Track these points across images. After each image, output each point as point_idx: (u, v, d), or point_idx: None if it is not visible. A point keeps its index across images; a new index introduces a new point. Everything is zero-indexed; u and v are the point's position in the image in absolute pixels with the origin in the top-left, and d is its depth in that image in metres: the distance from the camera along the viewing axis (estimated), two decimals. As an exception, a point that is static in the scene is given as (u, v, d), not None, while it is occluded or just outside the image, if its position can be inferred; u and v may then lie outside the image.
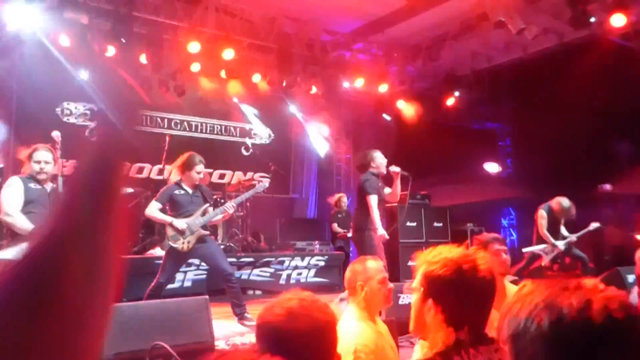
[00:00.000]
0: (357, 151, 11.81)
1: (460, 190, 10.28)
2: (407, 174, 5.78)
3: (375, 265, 2.88)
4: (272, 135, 10.82)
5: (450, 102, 9.91)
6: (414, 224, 8.53)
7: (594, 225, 7.41)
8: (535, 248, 7.49)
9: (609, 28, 7.50)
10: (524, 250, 7.64)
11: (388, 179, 5.92)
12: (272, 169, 8.88)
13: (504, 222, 11.87)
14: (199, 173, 5.48)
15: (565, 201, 7.34)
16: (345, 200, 9.37)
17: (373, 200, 5.54)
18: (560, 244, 7.32)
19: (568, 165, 9.37)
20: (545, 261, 7.35)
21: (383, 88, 9.60)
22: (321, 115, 10.94)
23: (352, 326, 2.66)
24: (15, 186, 4.33)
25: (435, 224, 8.47)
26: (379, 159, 5.78)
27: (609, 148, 9.59)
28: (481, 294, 1.64)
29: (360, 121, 11.45)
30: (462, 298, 1.61)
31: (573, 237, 7.35)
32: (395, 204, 8.56)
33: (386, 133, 11.10)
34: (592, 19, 7.63)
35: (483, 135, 12.00)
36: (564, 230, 7.45)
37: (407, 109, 10.24)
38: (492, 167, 12.02)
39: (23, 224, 4.26)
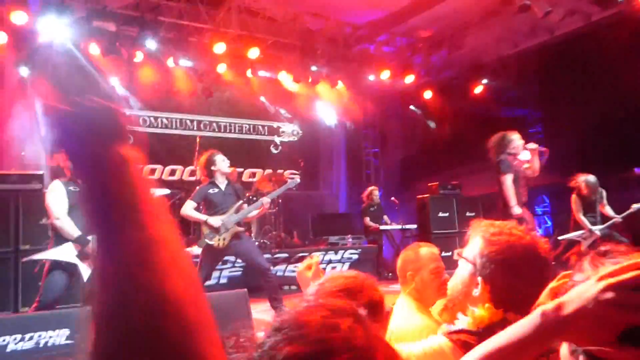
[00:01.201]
0: (385, 145, 11.79)
1: (492, 178, 10.13)
2: (544, 149, 5.99)
3: (428, 253, 2.63)
4: (300, 132, 10.88)
5: (477, 90, 9.80)
6: (446, 214, 8.47)
7: (636, 206, 7.22)
8: (572, 235, 7.33)
9: (638, 5, 7.30)
10: (560, 238, 7.49)
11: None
12: (302, 166, 8.94)
13: (538, 210, 11.66)
14: (223, 161, 5.57)
15: (588, 178, 7.25)
16: (376, 193, 9.35)
17: (507, 179, 5.78)
18: (597, 229, 7.15)
19: (601, 149, 9.15)
20: (584, 247, 7.21)
21: (409, 79, 9.56)
22: (348, 109, 10.95)
23: (414, 319, 2.48)
24: (58, 190, 4.45)
25: (468, 214, 8.37)
26: (517, 141, 5.94)
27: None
28: (536, 282, 1.59)
29: (388, 114, 11.41)
30: (514, 285, 1.55)
31: (618, 218, 7.18)
32: (428, 195, 8.58)
33: (414, 125, 11.05)
34: (621, -3, 7.47)
35: (513, 122, 11.72)
36: (609, 210, 7.29)
37: (435, 99, 10.17)
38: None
39: (71, 228, 4.39)
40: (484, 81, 9.74)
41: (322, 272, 2.04)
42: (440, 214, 8.44)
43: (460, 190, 8.88)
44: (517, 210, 5.73)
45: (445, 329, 1.88)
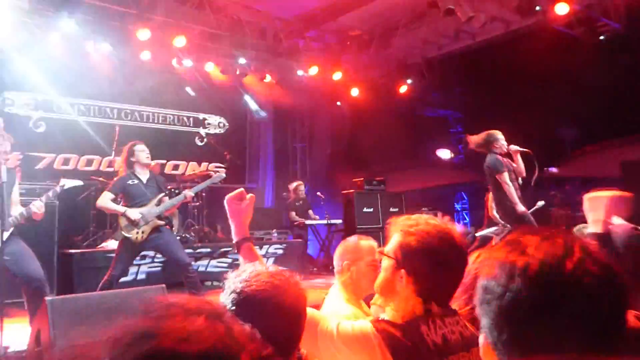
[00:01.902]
0: (313, 140, 11.82)
1: (415, 175, 10.45)
2: (527, 150, 5.96)
3: (367, 246, 2.71)
4: (227, 124, 10.67)
5: (403, 89, 10.02)
6: (371, 209, 8.61)
7: (540, 203, 7.67)
8: (487, 231, 7.66)
9: (554, 16, 7.71)
10: (477, 234, 7.82)
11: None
12: (228, 159, 8.75)
13: (457, 206, 12.17)
14: (142, 151, 5.36)
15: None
16: (302, 188, 9.34)
17: (505, 177, 5.79)
18: (508, 225, 7.52)
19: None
20: (495, 241, 7.56)
21: (337, 76, 9.61)
22: (276, 103, 10.87)
23: (342, 308, 2.54)
24: None
25: (392, 209, 8.54)
26: (502, 140, 5.96)
27: (556, 133, 9.95)
28: (455, 268, 1.63)
29: (316, 109, 11.44)
30: (436, 272, 1.59)
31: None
32: (353, 191, 8.69)
33: (342, 121, 11.15)
34: (537, 8, 7.85)
35: (436, 122, 12.23)
36: None
37: (362, 97, 10.29)
38: (444, 153, 12.26)
39: None
40: (409, 81, 9.96)
41: (251, 208, 2.00)
42: (365, 210, 8.57)
43: (385, 186, 9.05)
44: (521, 207, 5.80)
45: (375, 316, 1.89)
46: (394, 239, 1.68)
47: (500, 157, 5.89)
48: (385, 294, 1.74)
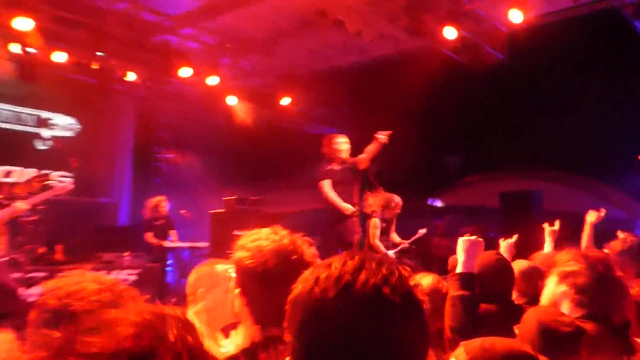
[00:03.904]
0: (181, 150, 11.46)
1: (295, 197, 10.45)
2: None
3: (225, 270, 2.55)
4: (78, 126, 9.97)
5: (285, 101, 10.03)
6: (244, 232, 8.43)
7: (422, 231, 8.00)
8: None
9: (442, 40, 8.15)
10: None
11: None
12: (75, 167, 8.12)
13: (337, 232, 12.35)
14: None
15: (397, 199, 7.86)
16: (164, 204, 8.87)
17: (323, 185, 6.61)
18: (391, 253, 7.75)
19: (401, 176, 10.05)
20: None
21: (213, 81, 9.40)
22: (139, 107, 10.37)
23: None
24: None
25: (267, 233, 8.44)
26: (333, 145, 6.71)
27: (441, 159, 10.54)
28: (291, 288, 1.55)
29: (187, 116, 11.10)
30: (271, 294, 1.47)
31: (406, 244, 7.84)
32: (224, 210, 8.48)
33: (215, 132, 10.90)
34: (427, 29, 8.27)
35: (320, 139, 12.37)
36: (395, 237, 7.92)
37: (240, 106, 10.16)
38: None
39: None
40: (293, 93, 10.02)
41: None
42: (237, 232, 8.32)
43: (261, 206, 8.94)
44: (345, 205, 6.55)
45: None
46: (233, 258, 1.63)
47: (323, 166, 6.78)
48: (236, 317, 1.70)
